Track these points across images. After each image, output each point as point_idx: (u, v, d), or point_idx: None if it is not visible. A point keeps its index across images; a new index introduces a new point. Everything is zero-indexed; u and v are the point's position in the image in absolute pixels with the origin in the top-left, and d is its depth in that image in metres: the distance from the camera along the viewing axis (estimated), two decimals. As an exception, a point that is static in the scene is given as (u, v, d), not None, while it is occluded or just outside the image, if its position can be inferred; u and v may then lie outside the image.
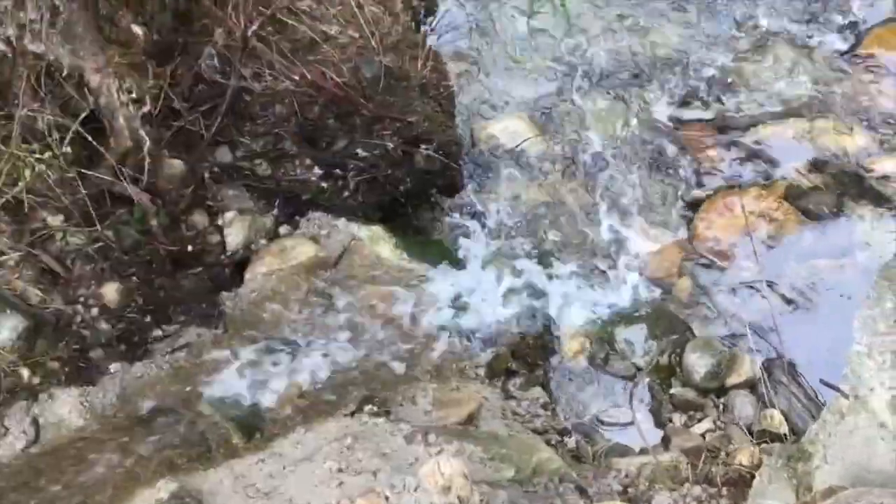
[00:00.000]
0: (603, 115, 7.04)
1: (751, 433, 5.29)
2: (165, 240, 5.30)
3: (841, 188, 6.55)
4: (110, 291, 5.00)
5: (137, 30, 5.33)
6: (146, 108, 5.03)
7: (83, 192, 4.93)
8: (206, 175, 5.64)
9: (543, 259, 6.26)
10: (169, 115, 5.55)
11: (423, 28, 6.85)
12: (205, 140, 5.65)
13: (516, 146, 6.79)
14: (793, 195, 6.53)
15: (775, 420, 5.39)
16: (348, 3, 6.33)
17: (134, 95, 5.02)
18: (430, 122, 6.29)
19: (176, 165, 5.51)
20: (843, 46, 7.47)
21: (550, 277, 6.18)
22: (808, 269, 6.23)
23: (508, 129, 6.89)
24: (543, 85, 7.18)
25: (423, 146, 6.17)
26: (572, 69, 7.28)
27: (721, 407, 5.60)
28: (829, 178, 6.62)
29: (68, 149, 4.94)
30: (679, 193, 6.67)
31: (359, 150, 5.98)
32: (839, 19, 7.65)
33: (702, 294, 6.19)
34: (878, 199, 6.47)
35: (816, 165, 6.69)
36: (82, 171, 5.07)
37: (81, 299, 4.91)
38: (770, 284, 6.12)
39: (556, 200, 6.61)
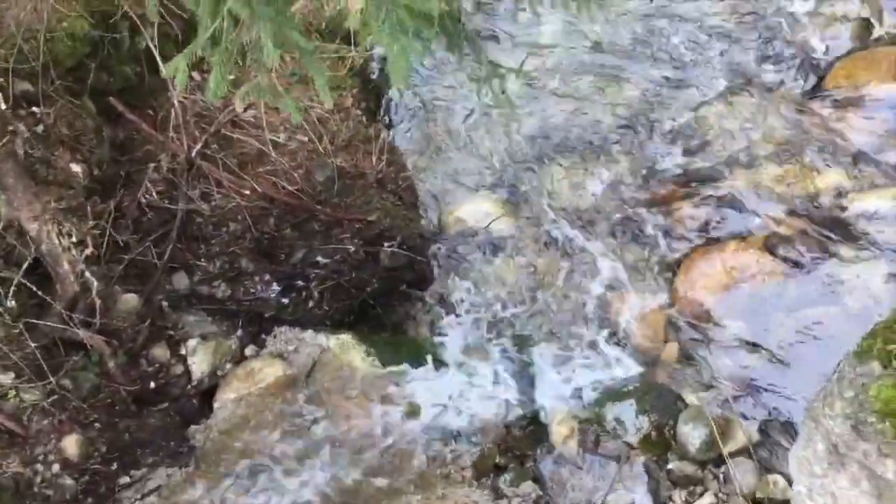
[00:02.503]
0: (569, 186, 6.89)
1: (755, 502, 5.10)
2: (126, 380, 5.15)
3: (821, 231, 6.37)
4: (71, 444, 4.84)
5: (76, 168, 5.22)
6: (89, 250, 4.90)
7: (32, 345, 4.78)
8: (164, 304, 5.50)
9: (524, 343, 6.09)
10: (118, 249, 5.44)
11: (375, 122, 6.72)
12: (159, 269, 5.52)
13: (485, 227, 6.64)
14: (772, 245, 6.35)
15: (779, 485, 5.19)
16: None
17: (75, 239, 4.90)
18: (391, 217, 6.16)
19: (130, 300, 5.37)
20: (808, 84, 7.32)
21: (532, 362, 6.00)
22: (797, 321, 6.03)
23: (475, 211, 6.74)
24: (505, 161, 7.04)
25: (386, 244, 6.04)
26: (532, 142, 7.15)
27: (721, 477, 5.39)
28: (808, 223, 6.44)
29: (12, 303, 4.80)
30: (656, 257, 6.49)
31: (319, 258, 5.84)
32: (800, 57, 7.51)
33: (690, 359, 6.00)
34: (859, 239, 6.29)
35: (793, 211, 6.52)
36: (32, 321, 4.93)
37: (41, 457, 4.75)
38: (758, 342, 5.95)
39: (530, 279, 6.45)
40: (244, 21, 3.71)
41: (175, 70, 3.73)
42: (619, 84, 7.39)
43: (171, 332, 5.49)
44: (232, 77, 3.92)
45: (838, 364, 4.15)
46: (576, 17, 6.83)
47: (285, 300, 5.73)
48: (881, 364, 3.86)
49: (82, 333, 4.99)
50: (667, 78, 7.44)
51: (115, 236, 5.26)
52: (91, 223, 5.04)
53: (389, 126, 7.10)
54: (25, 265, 4.94)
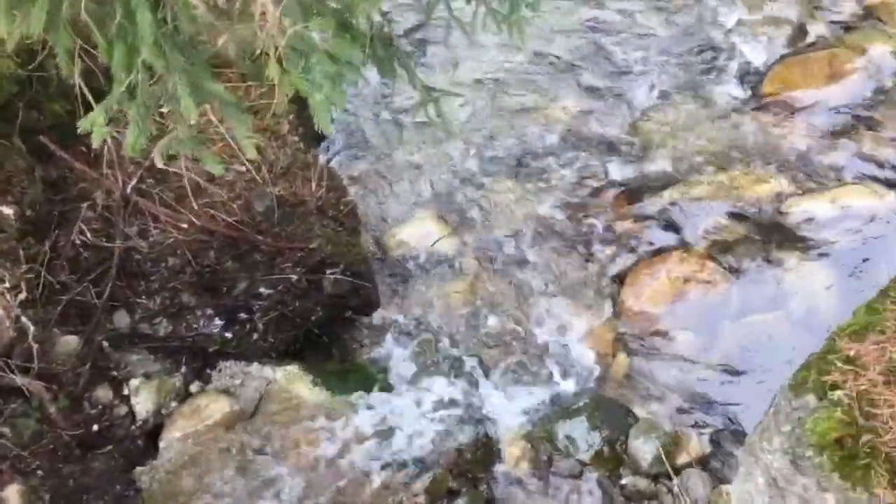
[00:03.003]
0: (509, 203, 6.88)
1: (708, 513, 5.11)
2: (68, 424, 5.04)
3: (763, 238, 6.42)
4: (13, 495, 4.72)
5: (7, 211, 5.12)
6: (23, 295, 4.81)
7: (-35, 395, 4.68)
8: (105, 345, 5.40)
9: (471, 364, 6.06)
10: (56, 291, 5.34)
11: (313, 147, 6.65)
12: (98, 308, 5.42)
13: (428, 248, 6.61)
14: (716, 253, 6.39)
15: (732, 497, 5.19)
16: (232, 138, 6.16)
17: (8, 284, 4.80)
18: (333, 244, 6.10)
19: (70, 342, 5.27)
20: (743, 92, 7.37)
21: (480, 383, 5.97)
22: (743, 328, 6.07)
23: (418, 232, 6.72)
24: (444, 181, 7.02)
25: (329, 271, 5.97)
26: (470, 161, 7.13)
27: (675, 490, 5.39)
28: (750, 229, 6.48)
29: (-55, 352, 4.71)
30: (601, 270, 6.49)
31: (262, 289, 5.77)
32: (735, 65, 7.56)
33: (639, 372, 6.01)
34: (801, 243, 6.34)
35: (735, 218, 6.56)
36: (-34, 370, 4.83)
37: (-20, 511, 4.64)
38: (706, 351, 5.97)
39: (476, 298, 6.42)
40: (160, 73, 3.67)
41: (91, 124, 3.68)
42: (557, 98, 7.40)
43: (114, 373, 5.39)
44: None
45: (774, 398, 4.16)
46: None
47: (229, 334, 5.65)
48: (816, 396, 3.87)
49: (20, 380, 4.89)
50: (604, 90, 7.47)
51: (51, 278, 5.15)
52: (25, 267, 4.94)
53: (328, 151, 7.07)
54: (-42, 312, 4.84)
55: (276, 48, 3.69)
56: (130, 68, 3.62)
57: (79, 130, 3.74)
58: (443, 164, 7.07)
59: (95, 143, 3.79)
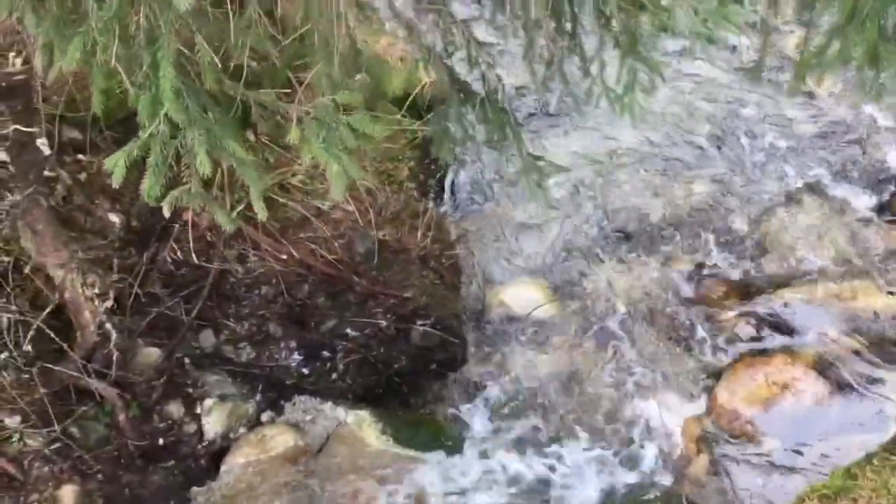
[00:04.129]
0: (621, 280, 6.73)
1: None
2: (135, 434, 5.12)
3: (874, 355, 6.11)
4: (67, 494, 4.81)
5: (114, 218, 5.27)
6: (110, 303, 4.92)
7: (42, 391, 4.80)
8: (187, 361, 5.49)
9: (551, 438, 5.93)
10: (148, 302, 5.46)
11: (428, 196, 6.66)
12: (185, 325, 5.52)
13: (528, 314, 6.52)
14: (821, 364, 6.10)
15: None
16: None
17: (98, 290, 4.93)
18: (429, 295, 6.08)
19: (151, 354, 5.38)
20: (878, 203, 7.07)
21: (558, 459, 5.83)
22: (836, 446, 5.77)
23: (520, 296, 6.63)
24: (559, 248, 6.92)
25: (420, 322, 5.96)
26: (591, 230, 7.03)
27: None
28: (862, 344, 6.18)
29: (28, 347, 4.84)
30: (699, 362, 6.29)
31: (349, 330, 5.78)
32: (874, 174, 7.26)
33: (718, 474, 5.78)
34: (915, 367, 6.02)
35: (848, 330, 6.27)
36: (48, 366, 4.96)
37: (33, 504, 4.74)
38: (793, 465, 5.70)
39: (567, 372, 6.29)
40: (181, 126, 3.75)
41: (114, 165, 3.79)
42: (681, 180, 7.23)
43: (190, 390, 5.46)
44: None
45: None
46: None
47: (308, 369, 5.67)
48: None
49: (96, 384, 5.00)
50: (731, 178, 7.26)
51: (143, 290, 5.28)
52: (116, 276, 5.06)
53: (444, 202, 7.05)
54: (47, 310, 4.98)
55: (298, 116, 3.75)
56: (154, 118, 3.71)
57: (104, 168, 3.89)
58: (557, 232, 6.98)
59: (115, 184, 3.92)
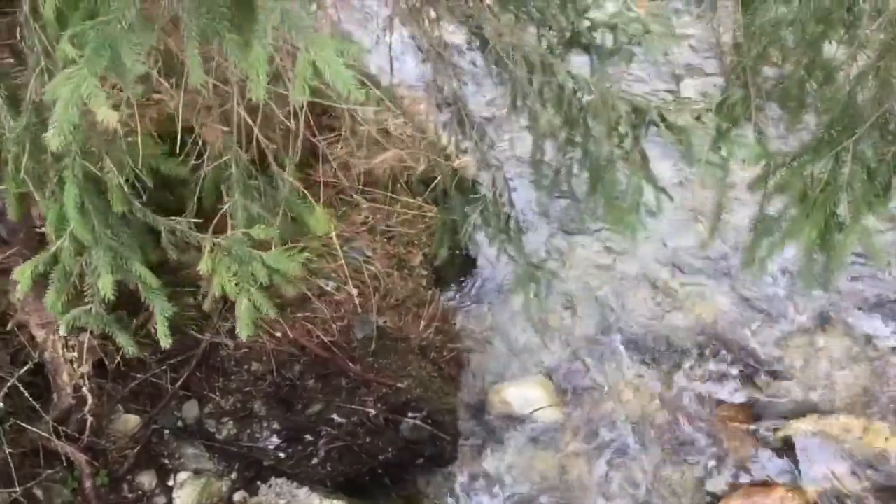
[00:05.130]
0: (628, 390, 6.55)
1: None
2: (100, 503, 5.03)
3: (878, 499, 5.85)
4: (20, 559, 4.74)
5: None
6: (86, 368, 4.87)
7: (8, 449, 4.73)
8: (167, 431, 5.40)
9: (532, 546, 5.75)
10: (133, 367, 5.39)
11: (437, 285, 6.55)
12: (169, 394, 5.45)
13: (529, 414, 6.36)
14: (823, 501, 5.86)
15: None
16: (354, 259, 6.16)
17: (76, 354, 4.87)
18: (424, 387, 5.94)
19: (131, 420, 5.30)
20: (904, 340, 6.83)
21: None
22: (829, 590, 5.53)
23: (523, 395, 6.47)
24: (566, 350, 6.77)
25: (411, 414, 5.81)
26: (602, 337, 6.86)
27: None
28: (867, 487, 5.93)
29: (1, 403, 4.79)
30: (698, 481, 6.08)
31: (335, 416, 5.65)
32: (903, 310, 7.02)
33: None
34: (919, 518, 5.75)
35: (855, 469, 6.02)
36: (20, 424, 4.90)
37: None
38: None
39: (562, 476, 6.11)
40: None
41: (22, 276, 3.79)
42: (699, 295, 7.03)
43: (166, 461, 5.37)
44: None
45: None
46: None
47: (289, 451, 5.55)
48: None
49: (65, 448, 4.93)
50: (755, 300, 7.04)
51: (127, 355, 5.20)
52: (96, 341, 5.00)
53: (454, 293, 6.93)
54: (25, 368, 4.93)
55: (211, 246, 3.70)
56: (60, 233, 3.69)
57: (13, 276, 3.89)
58: (569, 333, 6.83)
59: (19, 295, 3.93)
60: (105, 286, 3.81)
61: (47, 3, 3.05)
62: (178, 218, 4.23)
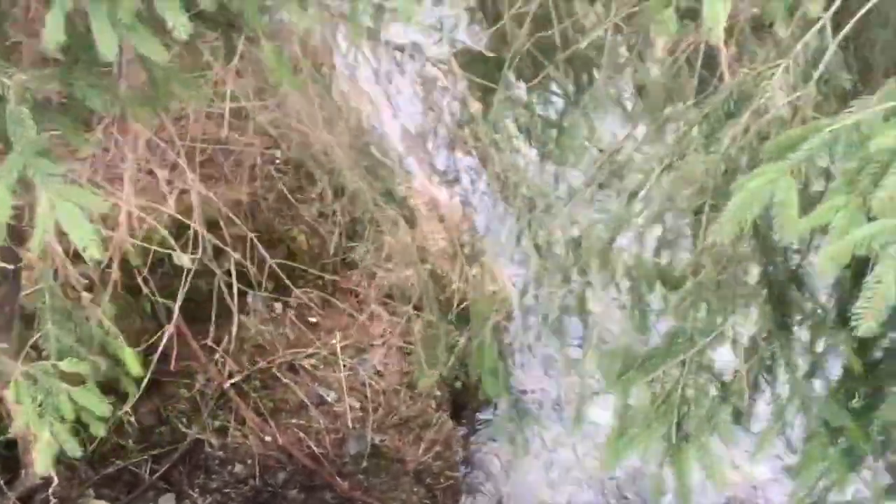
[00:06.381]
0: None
1: None
2: (47, 591, 4.90)
3: None
4: None
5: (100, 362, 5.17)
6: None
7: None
8: (137, 523, 5.29)
9: None
10: (114, 452, 5.32)
11: (446, 410, 6.35)
12: (146, 484, 5.34)
13: (524, 557, 6.09)
14: None
15: None
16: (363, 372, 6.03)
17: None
18: (411, 515, 5.74)
19: (98, 508, 5.20)
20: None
21: None
22: None
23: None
24: (571, 487, 6.46)
25: (394, 539, 5.62)
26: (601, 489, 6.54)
27: None
28: None
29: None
30: None
31: (312, 530, 5.49)
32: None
33: None
34: None
35: None
36: (-17, 497, 4.83)
37: None
38: None
39: None
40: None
41: None
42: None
43: (130, 556, 5.26)
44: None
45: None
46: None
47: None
48: None
49: (21, 527, 4.84)
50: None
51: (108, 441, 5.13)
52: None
53: (466, 418, 6.71)
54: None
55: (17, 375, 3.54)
56: None
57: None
58: (575, 473, 6.54)
59: None
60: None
61: None
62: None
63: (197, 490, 5.49)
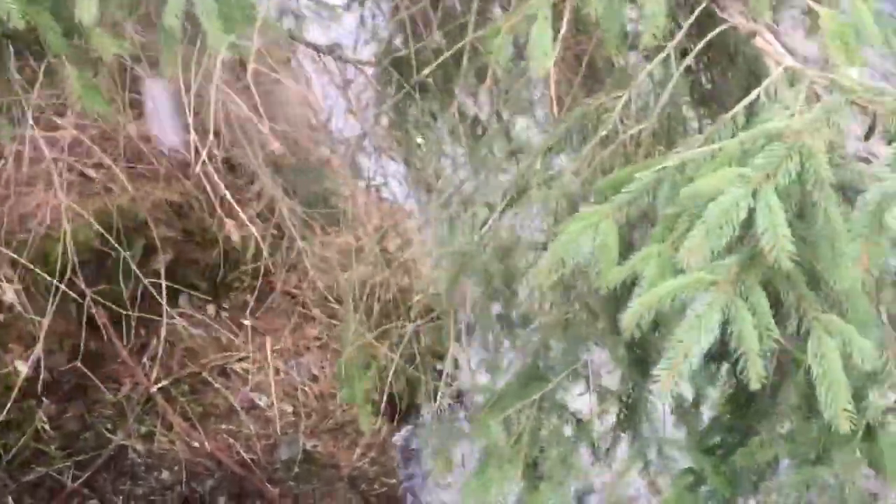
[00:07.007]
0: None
1: None
2: None
3: None
4: None
5: (21, 367, 5.07)
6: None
7: None
8: (59, 532, 5.18)
9: None
10: (36, 458, 5.20)
11: (384, 416, 6.23)
12: (66, 490, 5.23)
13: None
14: None
15: None
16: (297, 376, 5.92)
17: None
18: (345, 521, 5.64)
19: (18, 516, 5.09)
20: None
21: None
22: None
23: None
24: None
25: (326, 546, 5.52)
26: None
27: None
28: None
29: None
30: None
31: (240, 538, 5.39)
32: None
33: None
34: None
35: None
36: None
37: None
38: None
39: None
40: None
41: None
42: None
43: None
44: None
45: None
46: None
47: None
48: None
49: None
50: None
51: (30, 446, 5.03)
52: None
53: (407, 426, 6.60)
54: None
55: None
56: None
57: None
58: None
59: None
60: None
61: None
62: None
63: (122, 497, 5.38)
